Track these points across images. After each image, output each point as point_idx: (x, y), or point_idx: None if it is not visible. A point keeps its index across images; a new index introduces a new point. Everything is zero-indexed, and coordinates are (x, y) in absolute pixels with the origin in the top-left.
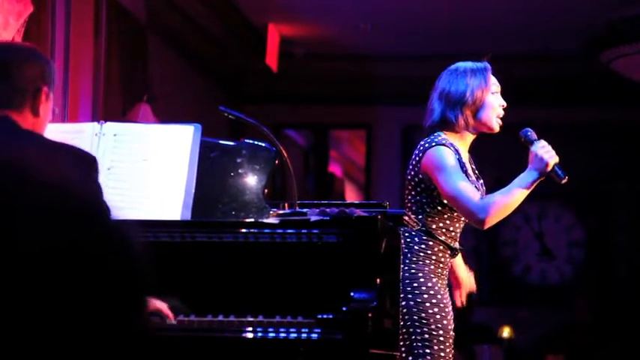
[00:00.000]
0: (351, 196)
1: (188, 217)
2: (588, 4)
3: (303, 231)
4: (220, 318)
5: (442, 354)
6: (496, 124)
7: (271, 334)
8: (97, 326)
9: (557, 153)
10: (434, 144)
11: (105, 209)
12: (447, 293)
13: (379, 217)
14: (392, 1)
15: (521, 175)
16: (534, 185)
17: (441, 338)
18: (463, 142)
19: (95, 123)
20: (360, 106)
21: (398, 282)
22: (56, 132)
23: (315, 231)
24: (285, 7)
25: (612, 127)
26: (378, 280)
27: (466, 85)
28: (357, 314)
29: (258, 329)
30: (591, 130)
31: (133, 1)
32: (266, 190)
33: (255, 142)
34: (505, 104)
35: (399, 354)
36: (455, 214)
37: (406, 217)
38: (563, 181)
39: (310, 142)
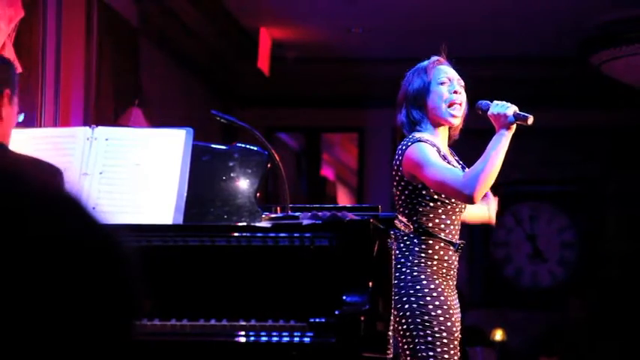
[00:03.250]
0: (344, 199)
1: (180, 221)
2: (579, 7)
3: (295, 235)
4: (213, 322)
5: (446, 356)
6: (446, 113)
7: (264, 338)
8: (83, 334)
9: (548, 154)
10: (410, 143)
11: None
12: (454, 294)
13: (371, 220)
14: (383, 5)
15: (492, 139)
16: (507, 142)
17: (445, 340)
18: (437, 137)
19: (87, 127)
20: (352, 109)
21: (390, 285)
22: (47, 136)
23: (308, 235)
24: (276, 11)
25: (603, 129)
26: (370, 284)
27: (409, 84)
28: (350, 318)
29: (251, 333)
30: (583, 133)
31: (124, 5)
32: (258, 194)
33: (247, 146)
34: (458, 90)
35: (402, 357)
36: (448, 206)
37: (398, 222)
38: (530, 120)
39: (302, 146)
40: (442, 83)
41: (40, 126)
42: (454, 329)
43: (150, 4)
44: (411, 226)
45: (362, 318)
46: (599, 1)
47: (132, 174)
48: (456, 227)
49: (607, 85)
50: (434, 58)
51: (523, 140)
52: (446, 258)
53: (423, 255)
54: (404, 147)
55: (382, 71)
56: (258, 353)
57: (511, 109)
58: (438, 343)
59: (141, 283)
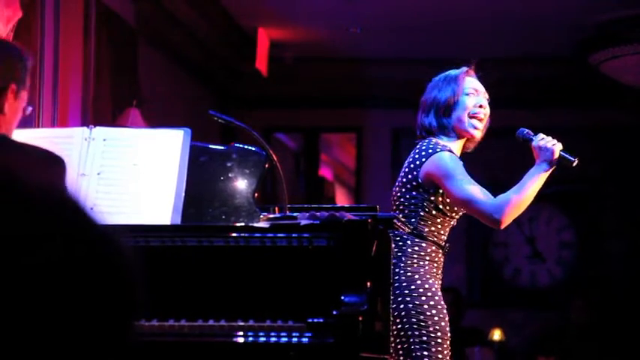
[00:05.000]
0: (342, 199)
1: (178, 221)
2: (578, 7)
3: (293, 235)
4: (211, 322)
5: (440, 356)
6: (469, 126)
7: (262, 339)
8: (81, 334)
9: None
10: (438, 149)
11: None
12: (442, 294)
13: (369, 220)
14: (381, 5)
15: (531, 170)
16: (545, 177)
17: (439, 340)
18: (455, 147)
19: (85, 128)
20: (350, 109)
21: (389, 285)
22: (45, 137)
23: (306, 235)
24: (274, 11)
25: (602, 129)
26: (368, 284)
27: (438, 91)
28: (348, 318)
29: (249, 334)
30: (581, 133)
31: (122, 5)
32: (256, 194)
33: (245, 146)
34: (483, 104)
35: (394, 357)
36: (447, 218)
37: (396, 221)
38: (575, 163)
39: (300, 146)
40: (469, 94)
41: (38, 126)
42: (447, 329)
43: (148, 4)
44: (407, 228)
45: (360, 318)
46: (598, 0)
47: (130, 174)
48: (447, 232)
49: (606, 85)
50: (464, 68)
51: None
52: (436, 259)
53: (415, 256)
54: (429, 151)
55: (380, 71)
56: (257, 353)
57: (558, 146)
58: (432, 342)
59: (139, 283)
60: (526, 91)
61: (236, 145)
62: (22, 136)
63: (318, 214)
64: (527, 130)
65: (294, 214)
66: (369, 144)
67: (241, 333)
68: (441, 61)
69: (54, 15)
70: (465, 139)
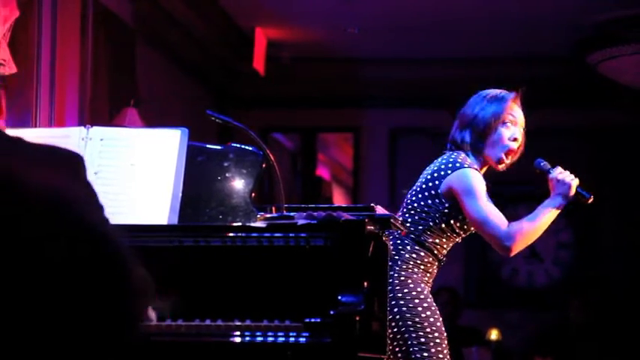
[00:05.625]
0: (339, 199)
1: (175, 221)
2: (575, 7)
3: (290, 235)
4: (208, 322)
5: (440, 355)
6: (496, 160)
7: (259, 339)
8: (85, 331)
9: (546, 154)
10: (466, 165)
11: (102, 217)
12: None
13: (366, 220)
14: (379, 5)
15: (546, 201)
16: (558, 211)
17: (437, 340)
18: (480, 169)
19: (82, 127)
20: (347, 109)
21: (386, 285)
22: (42, 137)
23: (303, 235)
24: (272, 11)
25: (600, 129)
26: (365, 284)
27: (481, 109)
28: (345, 318)
29: (246, 333)
30: (579, 133)
31: (119, 4)
32: (253, 194)
33: (242, 146)
34: (518, 137)
35: (389, 358)
36: (454, 235)
37: (394, 221)
38: (590, 201)
39: (298, 146)
40: (507, 124)
41: (35, 126)
42: (443, 329)
43: (145, 4)
44: (411, 233)
45: (357, 318)
46: (595, 0)
47: (127, 174)
48: (448, 248)
49: (603, 85)
50: (513, 93)
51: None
52: (430, 270)
53: (411, 262)
54: (457, 165)
55: (378, 71)
56: (254, 353)
57: (575, 182)
58: (431, 343)
59: (151, 283)
60: (523, 91)
61: (233, 144)
62: (19, 135)
63: (315, 213)
64: (544, 162)
65: (292, 213)
66: (366, 144)
67: (238, 333)
68: (438, 61)
69: (51, 14)
70: (488, 166)
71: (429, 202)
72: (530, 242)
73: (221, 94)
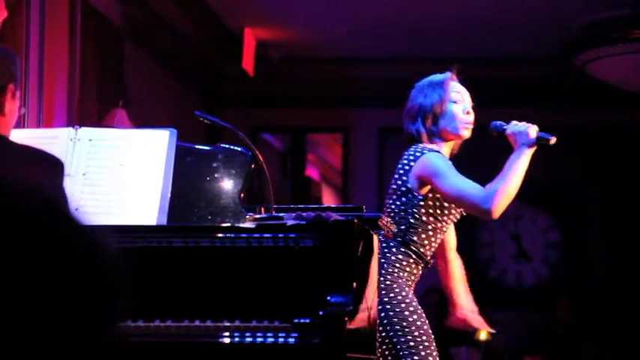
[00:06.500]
0: (329, 199)
1: (164, 221)
2: (563, 8)
3: (279, 235)
4: (197, 323)
5: (430, 358)
6: (462, 131)
7: (248, 339)
8: (66, 336)
9: (534, 154)
10: (425, 151)
11: (69, 212)
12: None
13: (355, 221)
14: (368, 5)
15: (511, 156)
16: (527, 161)
17: (426, 343)
18: (443, 152)
19: (70, 128)
20: (336, 109)
21: (375, 286)
22: (31, 137)
23: (292, 235)
24: (261, 11)
25: (588, 129)
26: (354, 284)
27: (424, 97)
28: (334, 318)
29: (235, 334)
30: (567, 133)
31: (108, 5)
32: (242, 195)
33: (231, 147)
34: (470, 110)
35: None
36: (439, 225)
37: (382, 222)
38: (553, 141)
39: (287, 146)
40: (456, 102)
41: (24, 127)
42: (430, 331)
43: (134, 4)
44: (392, 232)
45: (346, 319)
46: (582, 1)
47: (115, 175)
48: (435, 246)
49: (591, 86)
50: (448, 72)
51: (507, 140)
52: (415, 272)
53: (397, 265)
54: (417, 154)
55: (367, 71)
56: (243, 354)
57: (533, 128)
58: (420, 347)
59: (124, 284)
60: (512, 90)
61: (222, 145)
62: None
63: (304, 214)
64: (499, 122)
65: (281, 214)
66: (355, 144)
67: (227, 333)
68: (427, 61)
69: (39, 15)
70: (452, 142)
71: (404, 199)
72: (510, 198)
73: (210, 95)
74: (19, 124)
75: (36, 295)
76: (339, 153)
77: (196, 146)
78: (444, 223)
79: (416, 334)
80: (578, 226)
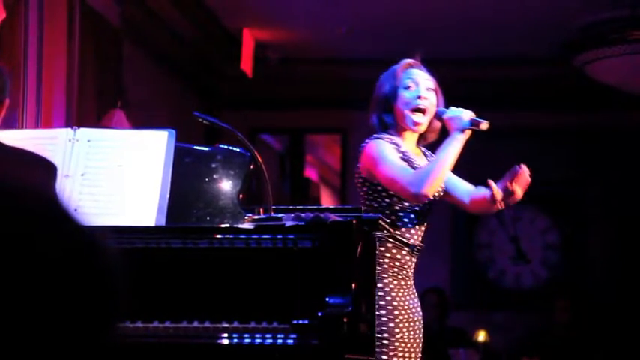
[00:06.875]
0: (327, 200)
1: (163, 222)
2: (561, 8)
3: (278, 236)
4: (195, 324)
5: (384, 357)
6: (409, 121)
7: (247, 340)
8: (65, 336)
9: (532, 155)
10: (368, 141)
11: (69, 212)
12: (407, 294)
13: (354, 222)
14: (367, 6)
15: (445, 141)
16: (460, 146)
17: (385, 341)
18: (405, 140)
19: (69, 129)
20: (335, 110)
21: (374, 286)
22: (29, 138)
23: (290, 236)
24: (259, 12)
25: (587, 130)
26: (353, 285)
27: (378, 89)
28: (333, 319)
29: (234, 335)
30: (566, 134)
31: (106, 6)
32: (241, 196)
33: (230, 148)
34: (423, 95)
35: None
36: (406, 204)
37: (382, 222)
38: (483, 126)
39: (286, 147)
40: (407, 87)
41: (22, 127)
42: (397, 330)
43: (132, 5)
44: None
45: (345, 319)
46: (581, 2)
47: (114, 176)
48: (416, 228)
49: (590, 87)
50: (404, 61)
51: (506, 141)
52: (399, 257)
53: (380, 258)
54: (364, 145)
55: (366, 72)
56: (241, 355)
57: (467, 113)
58: (378, 343)
59: (123, 285)
60: (510, 92)
61: (220, 146)
62: (6, 137)
63: (302, 215)
64: (441, 109)
65: (279, 215)
66: (354, 145)
67: (226, 334)
68: (426, 62)
69: (38, 16)
70: (412, 133)
71: (365, 188)
72: (439, 183)
73: (208, 96)
74: (17, 124)
75: (36, 295)
76: (337, 154)
77: (195, 147)
78: (405, 203)
79: (378, 329)
80: (577, 227)
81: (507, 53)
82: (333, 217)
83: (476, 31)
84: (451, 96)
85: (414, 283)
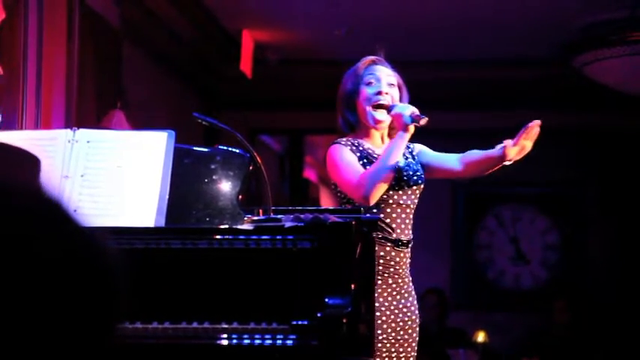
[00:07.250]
0: (327, 201)
1: (162, 223)
2: (561, 9)
3: (277, 237)
4: (195, 325)
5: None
6: (370, 118)
7: (246, 341)
8: (64, 337)
9: (533, 156)
10: (330, 146)
11: (68, 213)
12: (394, 292)
13: (353, 222)
14: (366, 7)
15: (391, 140)
16: (403, 143)
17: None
18: (372, 137)
19: (68, 130)
20: (334, 111)
21: (373, 287)
22: (29, 139)
23: (290, 237)
24: (259, 14)
25: (586, 131)
26: (352, 286)
27: (342, 86)
28: (332, 320)
29: (233, 336)
30: (565, 135)
31: (106, 6)
32: (240, 196)
33: (229, 149)
34: (383, 90)
35: None
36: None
37: (381, 223)
38: (422, 122)
39: (285, 148)
40: (368, 84)
41: (22, 128)
42: (379, 331)
43: (132, 6)
44: None
45: (344, 320)
46: (581, 3)
47: (113, 176)
48: (398, 223)
49: (589, 88)
50: (366, 58)
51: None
52: (382, 254)
53: None
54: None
55: None
56: (241, 356)
57: (409, 109)
58: None
59: (123, 286)
60: (508, 93)
61: (220, 147)
62: (4, 137)
63: (302, 216)
64: (393, 104)
65: (279, 216)
66: None
67: (225, 335)
68: (425, 63)
69: (37, 16)
70: (377, 130)
71: (339, 194)
72: (385, 182)
73: (208, 97)
74: (17, 125)
75: (35, 296)
76: None
77: (194, 148)
78: (383, 197)
79: None
80: (577, 227)
81: (507, 54)
82: (333, 218)
83: (476, 32)
84: (451, 96)
85: (413, 283)
